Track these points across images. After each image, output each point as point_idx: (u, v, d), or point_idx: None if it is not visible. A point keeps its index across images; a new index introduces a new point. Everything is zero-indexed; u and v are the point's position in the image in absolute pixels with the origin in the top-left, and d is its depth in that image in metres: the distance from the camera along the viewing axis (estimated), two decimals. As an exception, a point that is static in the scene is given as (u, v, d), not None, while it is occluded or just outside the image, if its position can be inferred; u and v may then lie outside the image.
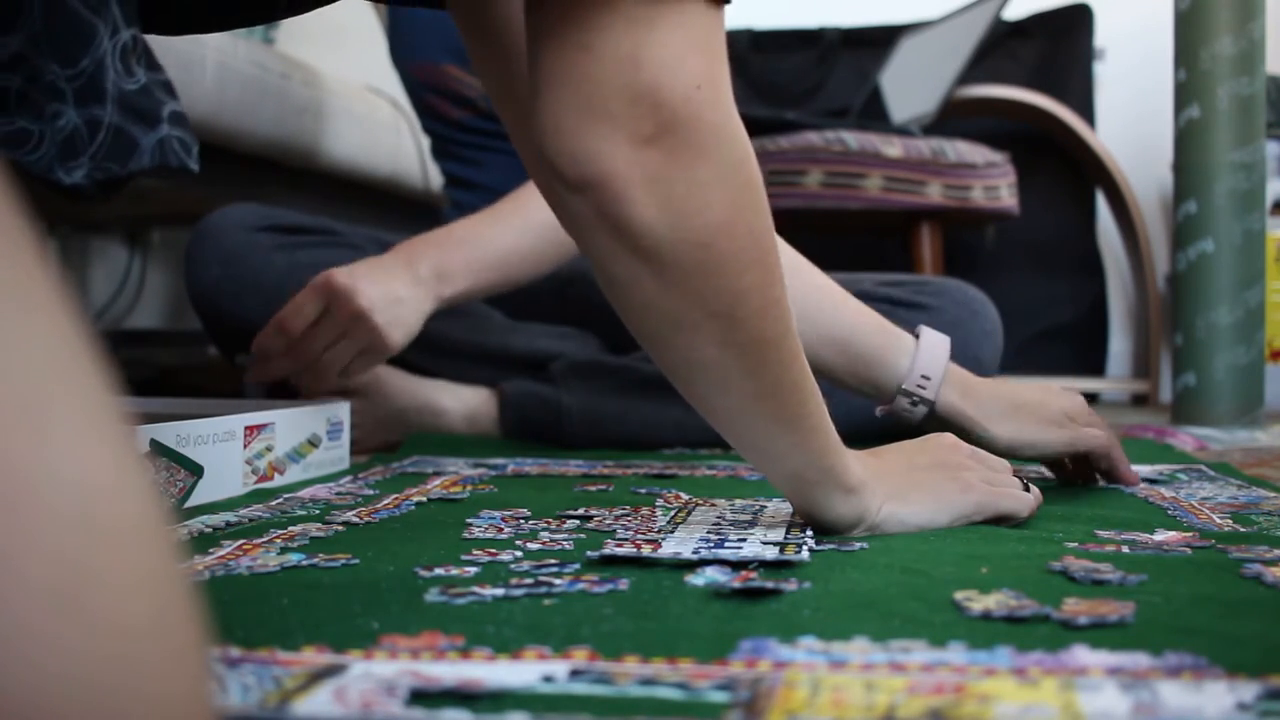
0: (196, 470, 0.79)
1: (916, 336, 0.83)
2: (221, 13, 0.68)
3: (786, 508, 0.72)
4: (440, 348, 1.23)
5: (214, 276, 1.19)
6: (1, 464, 0.19)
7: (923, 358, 0.81)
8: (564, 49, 0.49)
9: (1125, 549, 0.60)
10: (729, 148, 0.52)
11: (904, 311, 1.18)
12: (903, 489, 0.65)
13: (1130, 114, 2.51)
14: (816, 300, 0.81)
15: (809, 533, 0.62)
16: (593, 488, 0.86)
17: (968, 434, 0.80)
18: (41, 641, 0.19)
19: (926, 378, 0.80)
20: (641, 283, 0.54)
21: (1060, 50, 2.46)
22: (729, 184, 0.52)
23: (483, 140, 1.38)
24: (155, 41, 0.66)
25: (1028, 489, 0.70)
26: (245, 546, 0.61)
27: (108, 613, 0.20)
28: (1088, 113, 2.42)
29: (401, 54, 1.41)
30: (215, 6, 0.67)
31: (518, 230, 1.10)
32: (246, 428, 0.85)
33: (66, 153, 0.58)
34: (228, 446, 0.83)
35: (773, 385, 0.57)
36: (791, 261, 0.81)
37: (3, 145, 0.59)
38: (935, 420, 0.81)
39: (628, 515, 0.70)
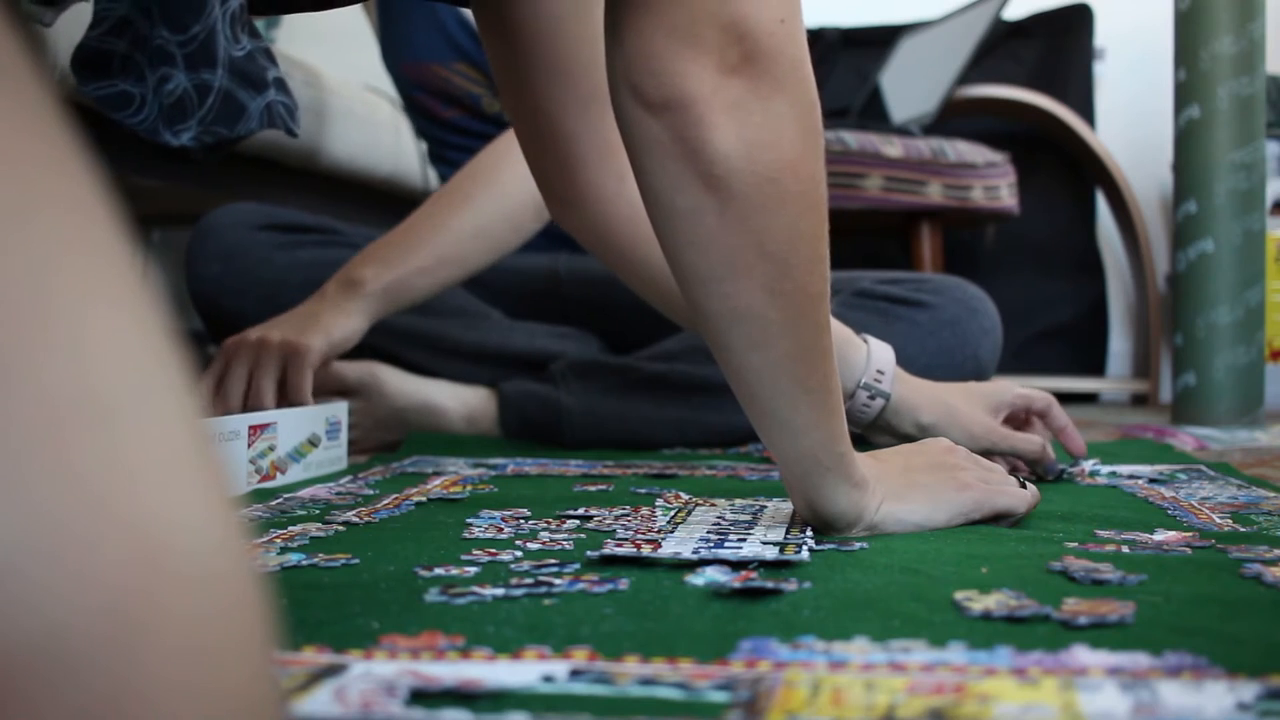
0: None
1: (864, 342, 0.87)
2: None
3: (787, 507, 0.72)
4: (440, 348, 1.23)
5: (214, 274, 1.19)
6: (137, 521, 0.19)
7: (875, 353, 0.85)
8: None
9: (1125, 549, 0.60)
10: (805, 87, 0.54)
11: (904, 309, 1.18)
12: (900, 489, 0.66)
13: (1130, 114, 2.51)
14: None
15: (809, 533, 0.62)
16: (593, 488, 0.86)
17: (905, 428, 0.87)
18: (164, 714, 0.19)
19: (881, 371, 0.85)
20: (704, 215, 0.55)
21: (1060, 50, 2.46)
22: (801, 122, 0.54)
23: (473, 143, 1.37)
24: None
25: (1024, 486, 0.70)
26: (245, 546, 0.61)
27: (233, 683, 0.20)
28: (1088, 113, 2.42)
29: (391, 54, 1.41)
30: None
31: (463, 216, 1.09)
32: (250, 427, 0.85)
33: (174, 116, 0.59)
34: (232, 446, 0.83)
35: (807, 347, 0.58)
36: None
37: (106, 107, 0.60)
38: (880, 421, 0.86)
39: (628, 515, 0.70)
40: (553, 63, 0.75)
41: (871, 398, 0.85)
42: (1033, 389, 0.92)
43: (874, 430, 0.87)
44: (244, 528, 0.21)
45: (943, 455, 0.70)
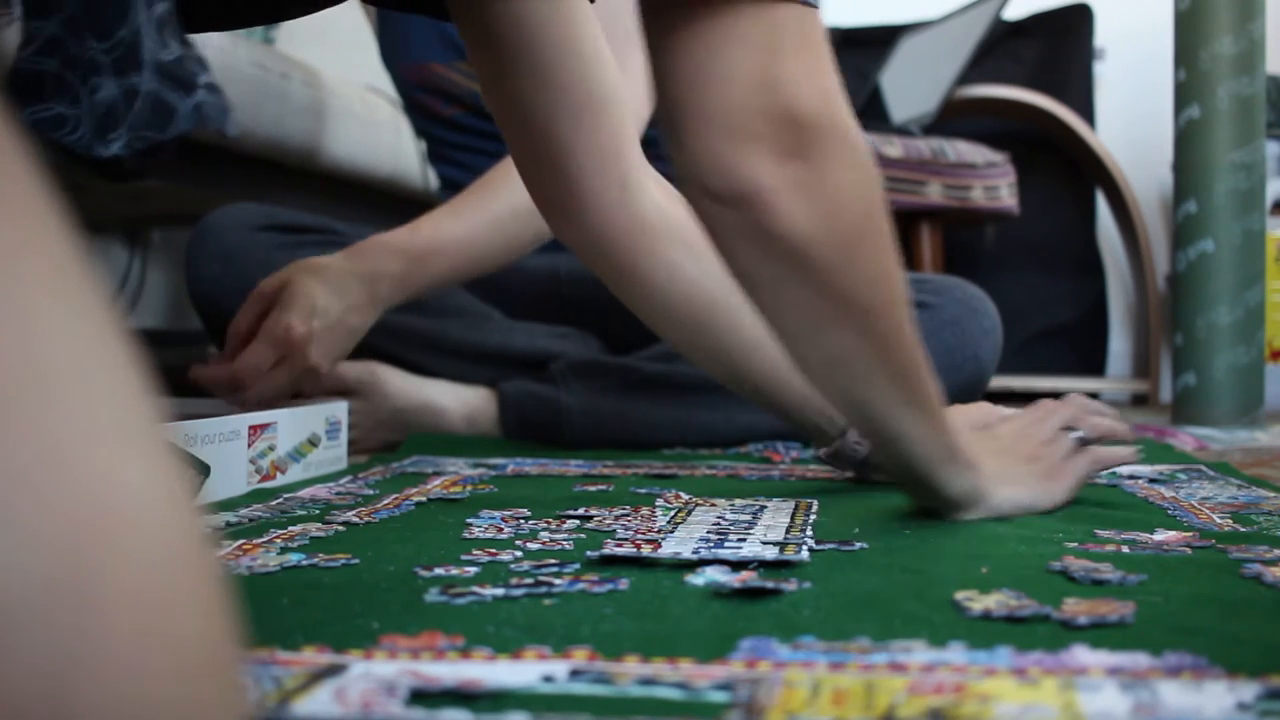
0: (204, 469, 0.79)
1: None
2: (232, 13, 0.69)
3: (787, 507, 0.72)
4: (440, 348, 1.23)
5: (214, 275, 1.19)
6: (88, 500, 0.19)
7: None
8: (705, 81, 0.54)
9: (1125, 549, 0.60)
10: (856, 145, 0.57)
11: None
12: (1003, 471, 0.70)
13: (1130, 114, 2.51)
14: None
15: (809, 533, 0.63)
16: (593, 488, 0.86)
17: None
18: (122, 670, 0.19)
19: None
20: (789, 284, 0.58)
21: (1060, 50, 2.46)
22: (861, 181, 0.57)
23: (475, 141, 1.37)
24: None
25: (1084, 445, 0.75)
26: (245, 546, 0.61)
27: (184, 641, 0.20)
28: (1088, 113, 2.42)
29: (390, 55, 1.41)
30: (227, 9, 0.68)
31: (484, 222, 1.09)
32: (250, 427, 0.85)
33: (105, 125, 0.59)
34: (232, 446, 0.83)
35: (904, 368, 0.61)
36: None
37: (43, 129, 0.60)
38: (871, 460, 0.83)
39: (628, 515, 0.70)
40: (539, 72, 0.75)
41: (860, 440, 0.82)
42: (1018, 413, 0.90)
43: (864, 468, 0.84)
44: (188, 489, 0.22)
45: (1033, 448, 0.74)
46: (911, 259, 2.02)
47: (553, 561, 0.57)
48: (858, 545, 0.61)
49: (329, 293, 1.00)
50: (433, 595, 0.49)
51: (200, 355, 2.08)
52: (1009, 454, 0.73)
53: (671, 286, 0.79)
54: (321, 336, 0.99)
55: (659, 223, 0.79)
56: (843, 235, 0.57)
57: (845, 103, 0.57)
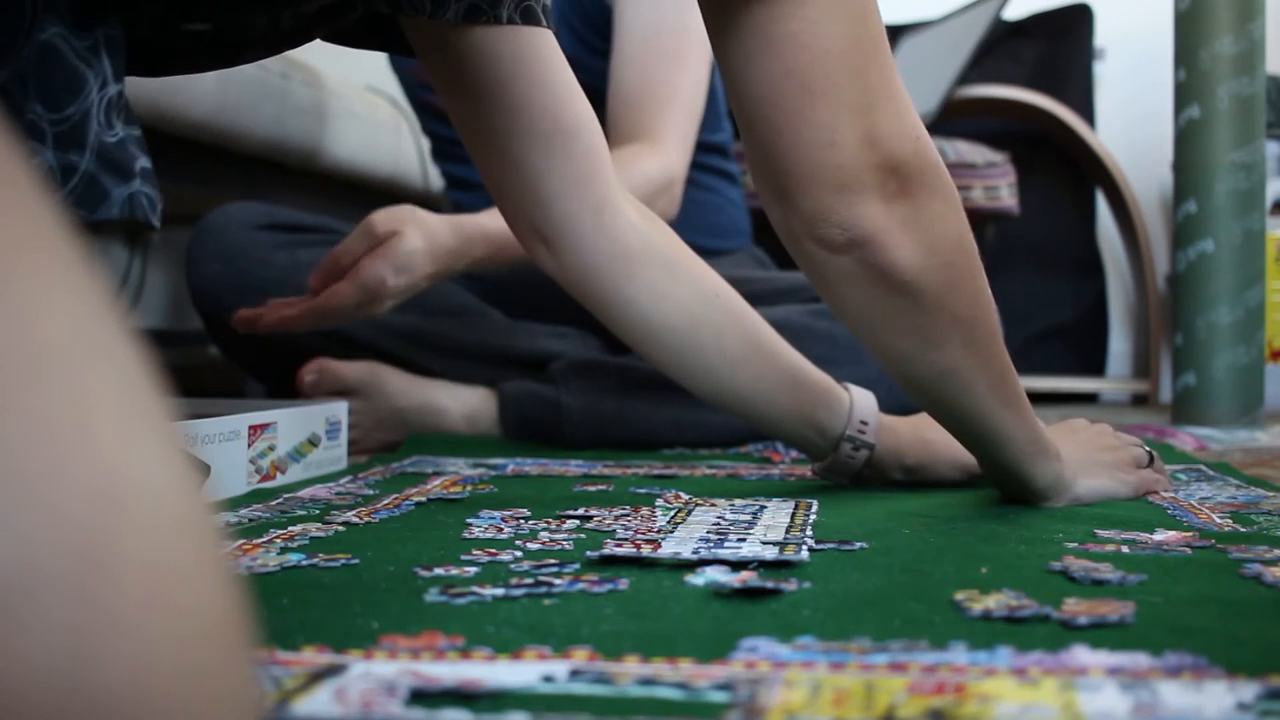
0: (204, 469, 0.79)
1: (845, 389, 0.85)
2: (192, 58, 0.69)
3: (787, 507, 0.72)
4: (441, 348, 1.23)
5: (214, 274, 1.19)
6: (100, 473, 0.20)
7: (858, 403, 0.83)
8: (811, 149, 0.58)
9: (1125, 549, 0.60)
10: (944, 175, 0.62)
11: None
12: (1085, 457, 0.76)
13: (1130, 114, 2.51)
14: (770, 336, 0.82)
15: (809, 533, 0.63)
16: (593, 488, 0.86)
17: (891, 474, 0.84)
18: (138, 637, 0.20)
19: (865, 422, 0.82)
20: (901, 313, 0.63)
21: (1060, 50, 2.46)
22: (953, 206, 0.62)
23: None
24: None
25: (1151, 459, 0.81)
26: (245, 546, 0.61)
27: (195, 609, 0.21)
28: (1088, 113, 2.42)
29: (398, 57, 1.41)
30: (185, 54, 0.69)
31: None
32: (250, 427, 0.85)
33: None
34: (232, 446, 0.83)
35: (1000, 372, 0.67)
36: (739, 303, 0.83)
37: None
38: (865, 471, 0.83)
39: (628, 515, 0.70)
40: (508, 104, 0.76)
41: (856, 449, 0.81)
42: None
43: (860, 479, 0.84)
44: (194, 470, 0.23)
45: (1109, 440, 0.81)
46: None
47: (553, 561, 0.57)
48: (858, 545, 0.61)
49: (427, 260, 1.05)
50: (433, 595, 0.49)
51: (201, 356, 2.08)
52: (1088, 445, 0.79)
53: (653, 308, 0.80)
54: (401, 295, 1.05)
55: (637, 245, 0.80)
56: (945, 258, 0.62)
57: (929, 136, 0.61)
